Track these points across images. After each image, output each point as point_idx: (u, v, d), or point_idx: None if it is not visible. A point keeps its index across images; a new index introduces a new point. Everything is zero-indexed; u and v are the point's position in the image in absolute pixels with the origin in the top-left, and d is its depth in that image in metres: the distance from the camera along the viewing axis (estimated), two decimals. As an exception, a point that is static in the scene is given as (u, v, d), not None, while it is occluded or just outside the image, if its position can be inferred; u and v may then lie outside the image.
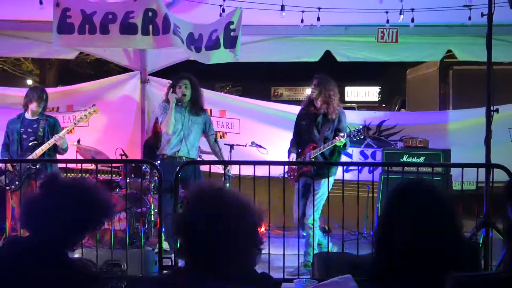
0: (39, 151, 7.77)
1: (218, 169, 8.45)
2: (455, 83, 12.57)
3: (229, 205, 2.66)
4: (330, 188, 7.40)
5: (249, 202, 2.74)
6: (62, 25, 7.61)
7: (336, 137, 7.42)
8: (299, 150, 7.86)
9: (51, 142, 7.78)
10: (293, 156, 7.82)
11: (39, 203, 3.04)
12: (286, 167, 7.77)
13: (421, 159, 8.81)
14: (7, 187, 7.86)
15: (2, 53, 12.96)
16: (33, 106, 7.93)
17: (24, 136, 7.93)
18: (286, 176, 7.55)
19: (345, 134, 7.42)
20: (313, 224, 7.28)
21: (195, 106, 8.04)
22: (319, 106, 7.68)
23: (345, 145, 7.49)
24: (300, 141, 7.88)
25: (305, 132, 7.82)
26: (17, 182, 7.73)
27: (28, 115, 8.01)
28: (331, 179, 7.47)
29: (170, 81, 8.30)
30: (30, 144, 7.86)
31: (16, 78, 28.31)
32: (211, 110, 9.46)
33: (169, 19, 7.54)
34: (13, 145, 7.97)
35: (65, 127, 8.31)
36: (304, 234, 7.55)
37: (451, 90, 12.61)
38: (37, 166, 7.71)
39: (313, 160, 7.60)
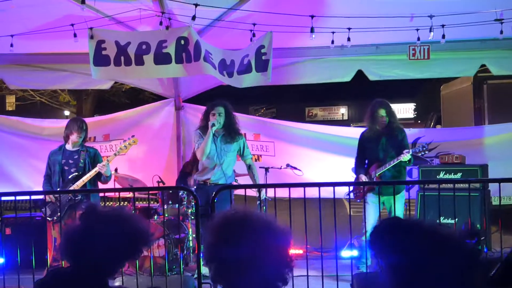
0: (80, 183, 7.83)
1: (253, 192, 8.47)
2: (490, 97, 12.43)
3: (252, 229, 2.73)
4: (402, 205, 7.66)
5: (273, 223, 2.80)
6: (98, 58, 7.75)
7: (402, 154, 7.68)
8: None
9: (95, 170, 7.84)
10: (362, 178, 8.00)
11: (78, 234, 3.10)
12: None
13: (458, 175, 8.75)
14: (48, 218, 7.96)
15: (40, 86, 13.19)
16: (73, 137, 8.00)
17: (66, 168, 8.00)
18: (350, 196, 7.68)
19: (410, 150, 7.73)
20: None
21: (228, 135, 8.00)
22: (384, 128, 7.92)
23: (410, 160, 7.79)
24: (364, 163, 8.08)
25: (370, 154, 8.06)
26: (58, 213, 7.83)
27: (68, 147, 8.08)
28: (399, 196, 7.63)
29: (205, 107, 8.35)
30: (72, 175, 7.94)
31: (54, 109, 28.81)
32: (245, 134, 9.44)
33: (200, 46, 7.64)
34: (55, 176, 8.03)
35: (106, 156, 8.41)
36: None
37: (486, 104, 12.47)
38: (79, 197, 7.74)
39: (374, 178, 7.84)
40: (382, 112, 7.93)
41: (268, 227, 2.75)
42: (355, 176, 8.26)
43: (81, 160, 7.98)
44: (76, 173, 7.94)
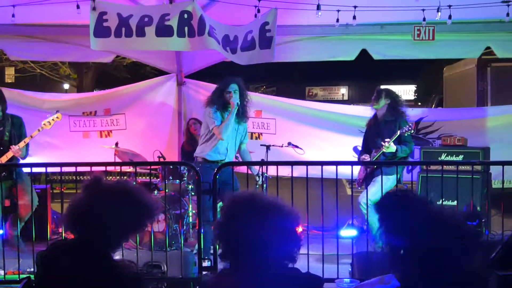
0: (3, 158, 7.53)
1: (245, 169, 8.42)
2: (494, 80, 12.38)
3: (262, 207, 2.74)
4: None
5: (282, 203, 2.81)
6: (98, 29, 7.66)
7: (383, 143, 7.66)
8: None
9: (8, 155, 7.50)
10: (363, 157, 8.10)
11: (83, 205, 3.09)
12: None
13: (460, 158, 8.73)
14: None
15: (40, 57, 13.12)
16: None
17: None
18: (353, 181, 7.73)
19: (390, 140, 7.62)
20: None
21: (242, 114, 7.77)
22: (381, 115, 8.01)
23: (396, 151, 7.75)
24: (367, 149, 8.17)
25: (370, 141, 8.15)
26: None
27: None
28: (391, 177, 7.55)
29: (210, 84, 8.23)
30: None
31: (53, 82, 28.71)
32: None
33: (205, 21, 7.56)
34: None
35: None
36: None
37: (489, 87, 12.42)
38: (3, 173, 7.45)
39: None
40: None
41: (276, 207, 2.76)
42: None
43: (6, 133, 7.64)
44: (1, 148, 7.60)
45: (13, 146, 7.53)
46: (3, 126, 7.66)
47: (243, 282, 2.68)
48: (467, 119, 9.79)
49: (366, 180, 8.00)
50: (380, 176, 7.32)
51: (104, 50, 9.17)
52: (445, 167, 7.64)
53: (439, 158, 8.84)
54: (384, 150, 7.63)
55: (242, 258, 2.71)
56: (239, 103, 7.58)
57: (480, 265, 2.86)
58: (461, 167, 7.90)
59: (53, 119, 7.97)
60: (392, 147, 7.62)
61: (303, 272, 2.85)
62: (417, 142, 9.54)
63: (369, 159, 7.96)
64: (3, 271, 6.83)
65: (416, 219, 2.78)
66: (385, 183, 7.22)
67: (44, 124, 7.91)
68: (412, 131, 7.83)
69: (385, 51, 9.47)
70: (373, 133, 8.09)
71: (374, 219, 7.40)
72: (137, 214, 3.12)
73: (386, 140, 7.63)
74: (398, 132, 7.66)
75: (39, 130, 7.84)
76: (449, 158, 8.78)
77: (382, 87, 8.69)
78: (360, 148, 8.59)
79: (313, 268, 6.13)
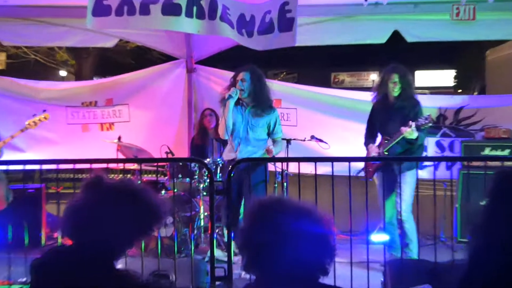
0: None
1: (271, 166, 8.42)
2: (542, 64, 12.32)
3: (290, 213, 2.75)
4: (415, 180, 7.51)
5: (313, 208, 2.79)
6: (98, 8, 7.58)
7: (403, 128, 7.40)
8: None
9: None
10: (373, 148, 7.85)
11: (83, 208, 3.08)
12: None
13: (506, 152, 8.66)
14: None
15: (36, 42, 13.10)
16: None
17: None
18: (360, 174, 7.62)
19: (413, 124, 7.36)
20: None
21: (258, 106, 7.82)
22: (394, 98, 7.69)
23: (418, 138, 7.44)
24: (375, 135, 7.95)
25: (380, 127, 7.93)
26: None
27: None
28: (411, 172, 7.45)
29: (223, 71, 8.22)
30: None
31: (49, 69, 28.79)
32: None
33: (217, 3, 7.50)
34: None
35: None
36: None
37: (538, 72, 12.36)
38: None
39: (386, 153, 7.57)
40: (395, 77, 7.74)
41: (307, 213, 2.74)
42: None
43: None
44: None
45: None
46: None
47: None
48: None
49: (380, 171, 7.80)
50: (401, 176, 7.40)
51: (102, 32, 9.17)
52: (488, 163, 7.58)
53: (482, 153, 8.79)
54: (405, 135, 7.43)
55: (269, 270, 2.70)
56: (231, 95, 7.63)
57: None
58: (507, 163, 7.85)
59: (39, 119, 7.98)
60: (415, 133, 7.44)
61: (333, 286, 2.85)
62: (458, 134, 9.47)
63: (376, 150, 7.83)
64: (-8, 281, 6.89)
65: None
66: (411, 179, 7.36)
67: (28, 124, 7.90)
68: (430, 125, 7.59)
69: (419, 32, 9.38)
70: (385, 117, 7.85)
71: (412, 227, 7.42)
72: (143, 218, 3.12)
73: (409, 124, 7.34)
74: (419, 122, 7.38)
75: (22, 131, 7.84)
76: (493, 153, 8.72)
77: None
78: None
79: (341, 277, 6.10)
